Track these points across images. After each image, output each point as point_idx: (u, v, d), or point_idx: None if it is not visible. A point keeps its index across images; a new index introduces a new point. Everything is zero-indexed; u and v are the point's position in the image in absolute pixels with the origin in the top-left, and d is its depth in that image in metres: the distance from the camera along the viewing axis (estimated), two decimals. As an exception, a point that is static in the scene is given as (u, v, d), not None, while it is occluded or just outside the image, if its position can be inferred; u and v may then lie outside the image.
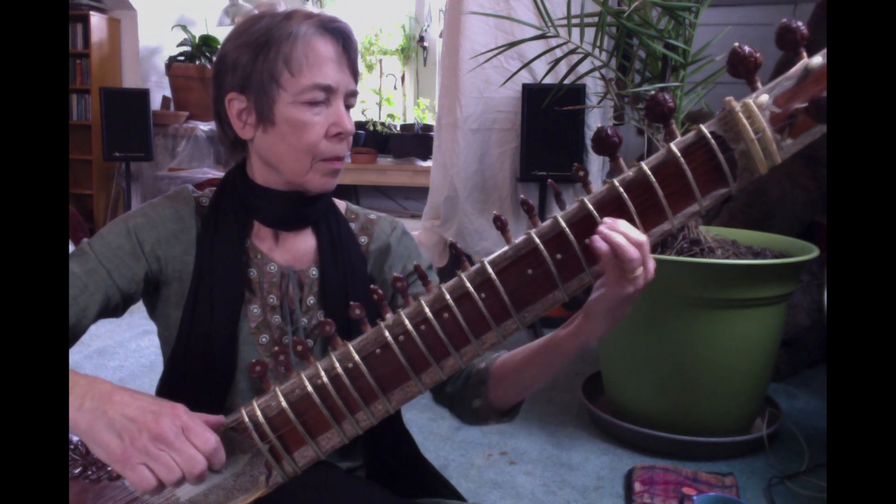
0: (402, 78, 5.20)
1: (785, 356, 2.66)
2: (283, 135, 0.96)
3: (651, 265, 0.74)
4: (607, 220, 0.70)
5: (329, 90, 0.96)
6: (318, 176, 0.99)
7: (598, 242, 0.69)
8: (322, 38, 0.96)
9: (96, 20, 4.77)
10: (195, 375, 0.99)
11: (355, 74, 1.00)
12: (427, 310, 0.72)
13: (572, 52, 2.25)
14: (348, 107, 1.00)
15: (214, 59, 1.03)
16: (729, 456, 2.11)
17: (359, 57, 1.03)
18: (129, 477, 0.72)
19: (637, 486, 1.91)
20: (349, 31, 0.99)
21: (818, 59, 0.64)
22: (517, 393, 0.96)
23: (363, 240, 1.09)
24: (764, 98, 0.65)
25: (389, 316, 0.73)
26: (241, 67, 0.96)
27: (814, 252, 2.10)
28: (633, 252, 0.70)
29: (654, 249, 2.43)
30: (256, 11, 1.00)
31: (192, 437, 0.73)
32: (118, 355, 2.99)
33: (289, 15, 0.97)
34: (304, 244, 1.06)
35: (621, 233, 0.69)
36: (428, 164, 4.26)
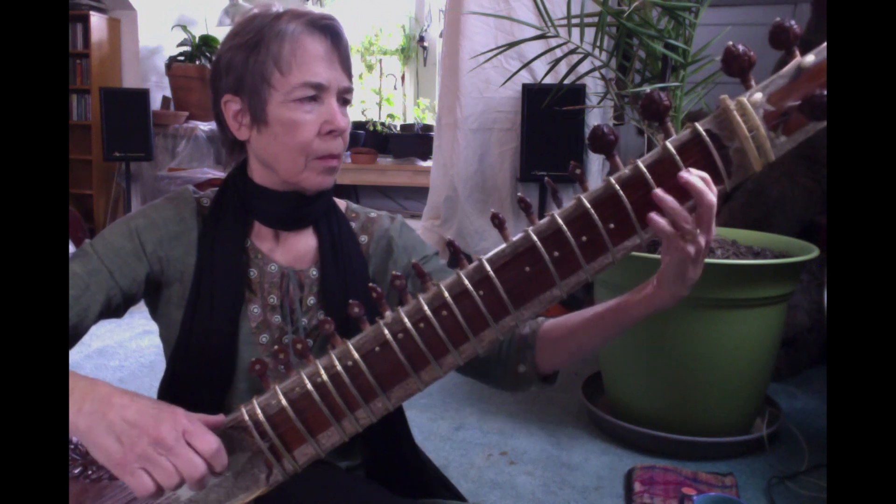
0: (402, 78, 5.20)
1: (785, 356, 2.66)
2: (277, 135, 0.96)
3: (711, 232, 0.73)
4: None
5: (320, 88, 0.95)
6: (313, 174, 0.99)
7: (655, 218, 0.68)
8: (311, 36, 0.95)
9: (96, 20, 4.77)
10: (195, 375, 0.99)
11: (348, 71, 0.99)
12: (426, 307, 0.72)
13: (572, 52, 2.25)
14: (345, 102, 0.99)
15: (212, 60, 1.03)
16: (729, 456, 2.11)
17: (351, 53, 1.02)
18: (129, 482, 0.71)
19: (637, 486, 1.91)
20: (339, 28, 0.98)
21: (810, 58, 0.65)
22: (569, 357, 0.97)
23: (363, 239, 1.09)
24: (758, 96, 0.66)
25: (388, 314, 0.73)
26: (235, 69, 0.97)
27: (814, 252, 2.10)
28: (685, 218, 0.69)
29: (651, 248, 2.38)
30: (255, 11, 1.00)
31: (193, 440, 0.72)
32: (118, 355, 2.99)
33: (279, 14, 0.96)
34: (304, 244, 1.06)
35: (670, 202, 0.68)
36: (428, 164, 4.26)
